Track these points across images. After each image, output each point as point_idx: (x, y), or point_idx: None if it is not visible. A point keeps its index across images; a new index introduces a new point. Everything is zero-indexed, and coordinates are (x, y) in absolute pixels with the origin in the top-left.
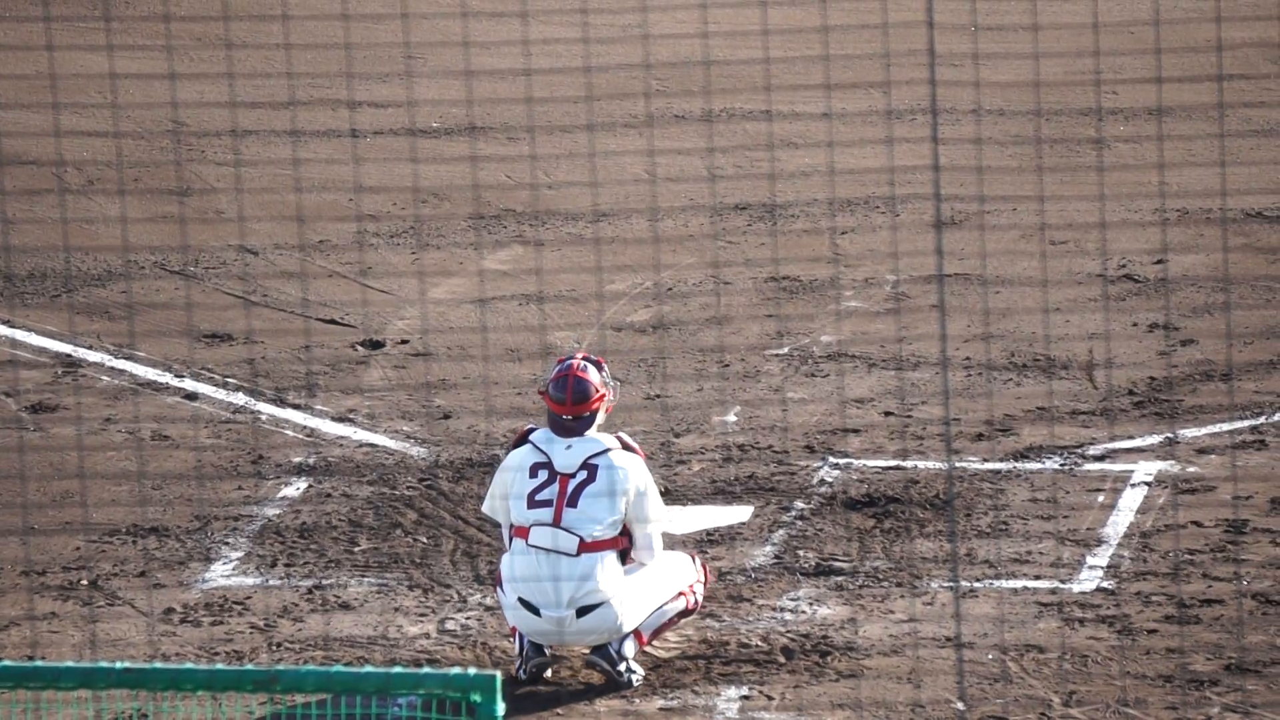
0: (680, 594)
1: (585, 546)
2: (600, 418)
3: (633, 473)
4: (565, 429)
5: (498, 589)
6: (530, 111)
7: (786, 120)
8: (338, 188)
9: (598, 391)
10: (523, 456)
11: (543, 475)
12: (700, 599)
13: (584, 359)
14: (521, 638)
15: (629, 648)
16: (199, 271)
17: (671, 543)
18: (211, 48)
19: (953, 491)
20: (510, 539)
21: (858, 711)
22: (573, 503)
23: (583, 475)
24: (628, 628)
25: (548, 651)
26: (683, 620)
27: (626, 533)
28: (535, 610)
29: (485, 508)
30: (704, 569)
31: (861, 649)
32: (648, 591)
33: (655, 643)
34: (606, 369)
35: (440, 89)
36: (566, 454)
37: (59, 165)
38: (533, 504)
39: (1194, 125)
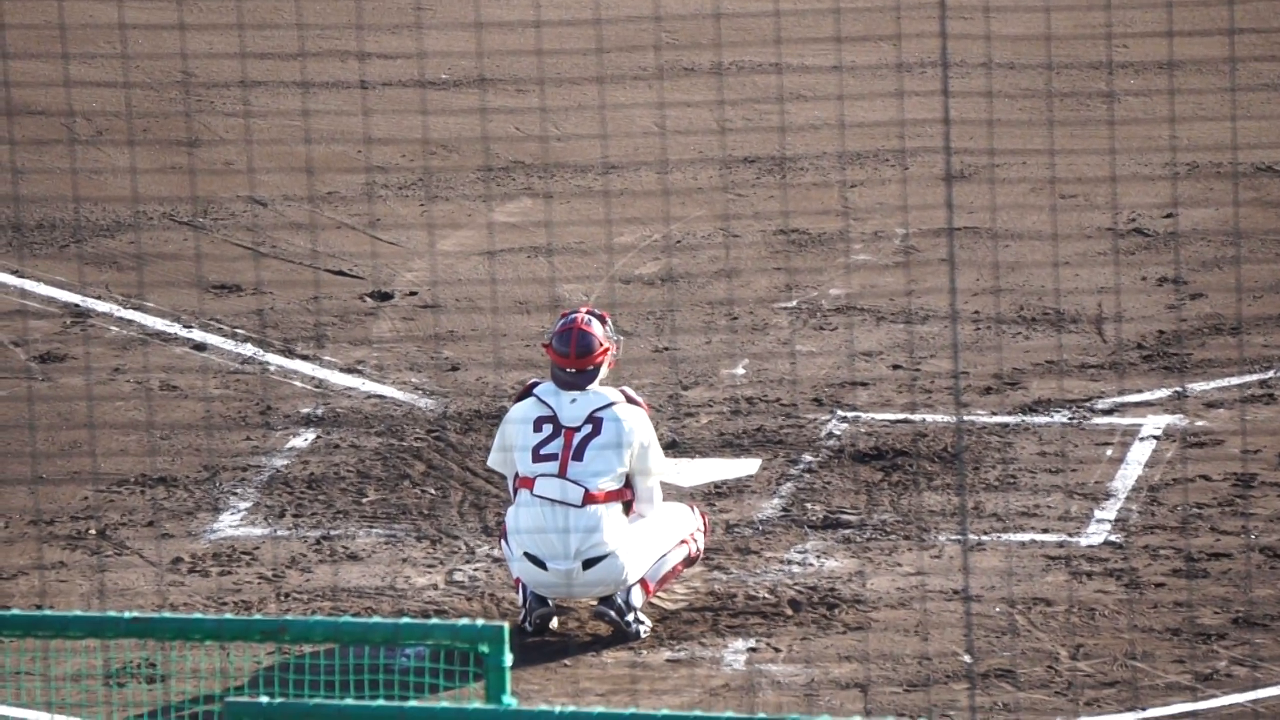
0: (682, 542)
1: (590, 498)
2: (604, 372)
3: (637, 426)
4: (569, 382)
5: (502, 541)
6: (540, 63)
7: (796, 73)
8: (347, 139)
9: (601, 345)
10: (526, 409)
11: (548, 429)
12: (701, 547)
13: (588, 313)
14: (525, 589)
15: (636, 597)
16: (208, 222)
17: (677, 495)
18: None
19: (961, 445)
20: (515, 491)
21: (865, 664)
22: (578, 456)
23: (588, 429)
24: (633, 579)
25: (551, 603)
26: (686, 569)
27: (629, 484)
28: (542, 564)
29: (491, 461)
30: (703, 518)
31: (869, 602)
32: (650, 542)
33: (662, 594)
34: (611, 323)
35: (450, 40)
36: (571, 407)
37: (68, 115)
38: (538, 457)
39: (1205, 79)
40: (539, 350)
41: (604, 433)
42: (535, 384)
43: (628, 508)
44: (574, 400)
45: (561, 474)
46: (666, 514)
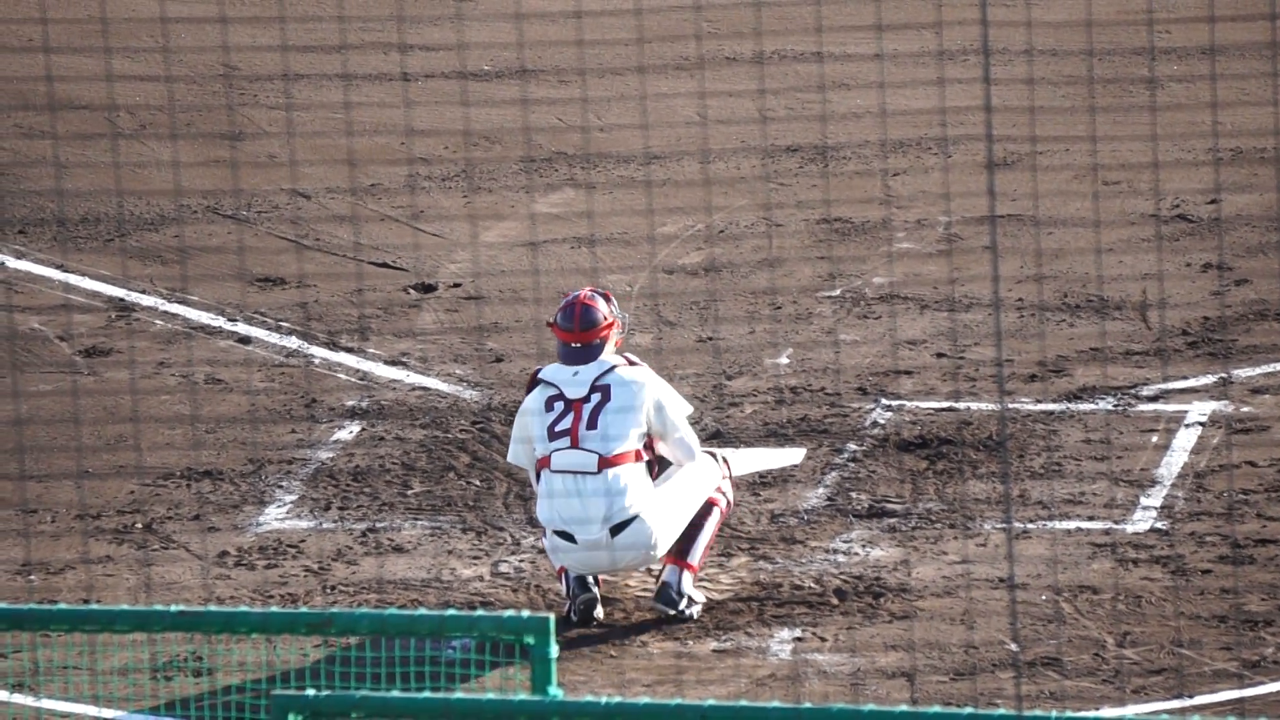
0: (710, 502)
1: (605, 462)
2: (609, 349)
3: (647, 383)
4: (574, 356)
5: (543, 535)
6: (581, 54)
7: (838, 61)
8: (389, 131)
9: (606, 319)
10: (537, 396)
11: (558, 407)
12: (731, 499)
13: (592, 290)
14: (567, 576)
15: (686, 583)
16: (251, 215)
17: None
18: None
19: (1005, 433)
20: (538, 477)
21: (910, 653)
22: (592, 424)
23: (597, 397)
24: (663, 542)
25: (595, 590)
26: (722, 527)
27: (649, 445)
28: (571, 538)
29: (510, 456)
30: (726, 464)
31: (914, 590)
32: (678, 503)
33: (708, 584)
34: (615, 301)
35: (491, 32)
36: (574, 380)
37: (111, 109)
38: (552, 435)
39: (1247, 64)
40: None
41: (615, 398)
42: (538, 371)
43: (650, 469)
44: (576, 373)
45: (574, 445)
46: (692, 470)
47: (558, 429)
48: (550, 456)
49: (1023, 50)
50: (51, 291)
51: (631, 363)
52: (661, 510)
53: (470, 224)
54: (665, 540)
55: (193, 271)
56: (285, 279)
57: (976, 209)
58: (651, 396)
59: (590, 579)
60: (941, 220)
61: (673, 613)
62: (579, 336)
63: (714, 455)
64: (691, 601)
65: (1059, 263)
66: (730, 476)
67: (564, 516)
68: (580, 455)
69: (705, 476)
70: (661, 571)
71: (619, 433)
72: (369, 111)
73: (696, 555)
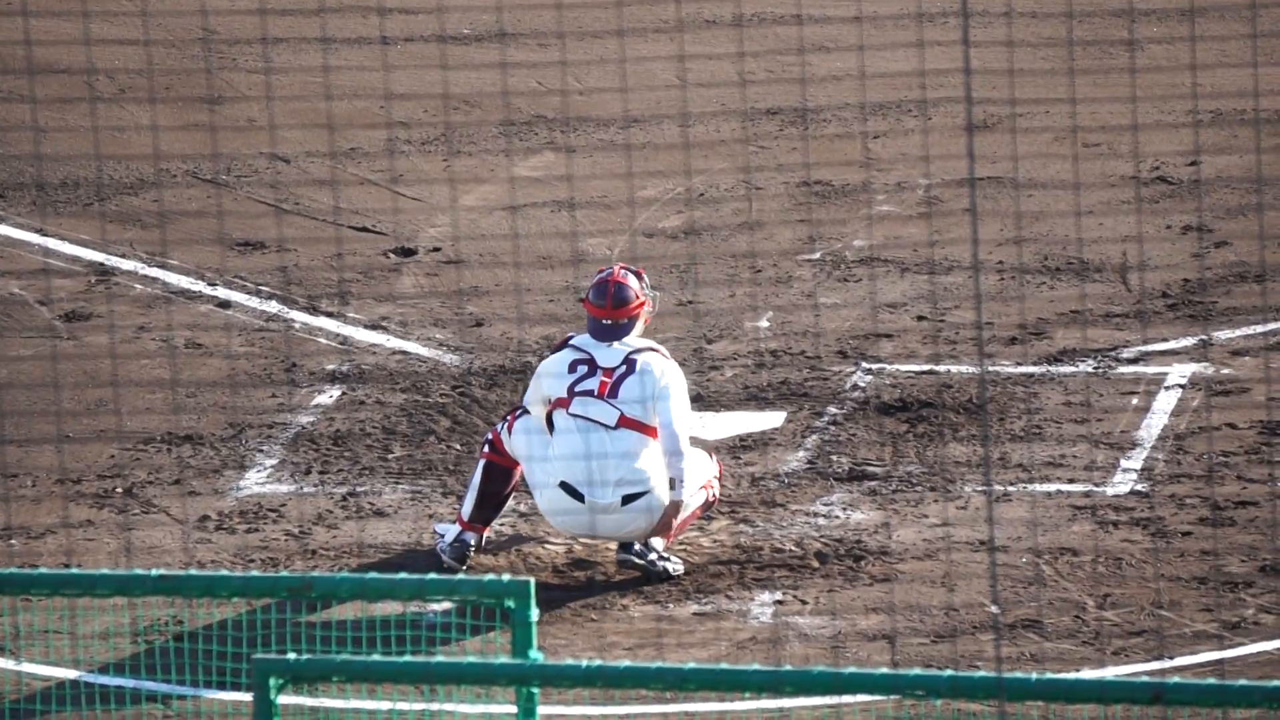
0: (703, 487)
1: (624, 421)
2: (640, 327)
3: (668, 370)
4: (605, 333)
5: (531, 492)
6: (560, 17)
7: (817, 24)
8: (368, 95)
9: (638, 298)
10: (560, 360)
11: (583, 369)
12: (718, 493)
13: (624, 268)
14: (461, 533)
15: (657, 542)
16: (230, 180)
17: (701, 446)
18: None
19: (986, 395)
20: (550, 421)
21: (891, 615)
22: (614, 393)
23: (623, 369)
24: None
25: (472, 542)
26: (703, 514)
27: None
28: (579, 495)
29: (525, 400)
30: (719, 465)
31: (895, 553)
32: (689, 490)
33: (688, 547)
34: (647, 279)
35: None
36: (608, 351)
37: (90, 73)
38: (573, 392)
39: (1227, 25)
40: (562, 304)
41: (637, 371)
42: (571, 337)
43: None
44: (610, 347)
45: (600, 395)
46: (690, 463)
47: (579, 389)
48: (571, 400)
49: (1002, 12)
50: (31, 256)
51: (664, 355)
52: (665, 494)
53: (450, 188)
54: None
55: (172, 236)
56: (265, 243)
57: (956, 171)
58: (666, 379)
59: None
60: (921, 183)
61: (640, 564)
62: (611, 313)
63: (710, 454)
64: (664, 557)
65: (1039, 225)
66: (720, 476)
67: (576, 473)
68: (602, 406)
69: (702, 469)
70: None
71: (636, 398)
72: (348, 75)
73: (671, 529)
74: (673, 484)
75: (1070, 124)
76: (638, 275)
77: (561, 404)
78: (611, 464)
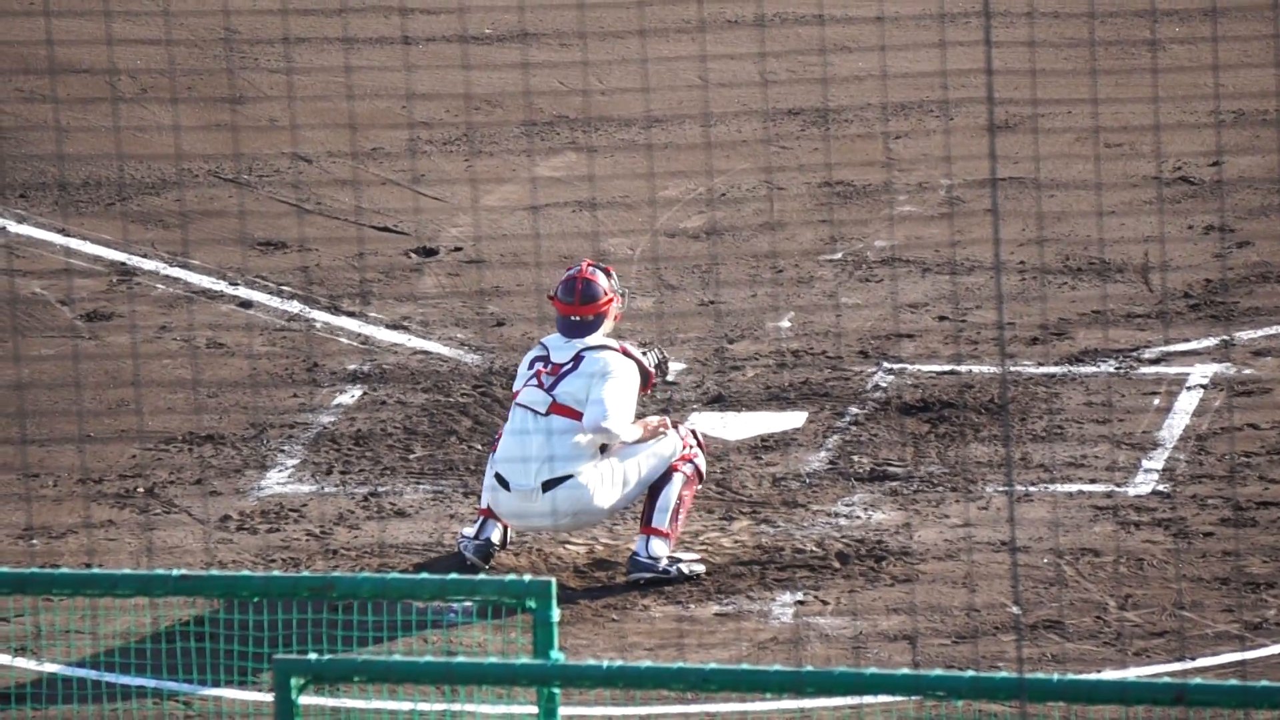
0: (671, 468)
1: (555, 407)
2: (609, 325)
3: (613, 361)
4: (573, 329)
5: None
6: (582, 17)
7: (839, 24)
8: (390, 95)
9: (606, 294)
10: (527, 358)
11: (539, 365)
12: (700, 467)
13: (591, 265)
14: (484, 523)
15: (656, 547)
16: (252, 179)
17: (722, 446)
18: None
19: (1007, 396)
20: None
21: (912, 616)
22: (555, 382)
23: (570, 365)
24: (605, 503)
25: (496, 546)
26: (693, 495)
27: None
28: (506, 484)
29: None
30: (692, 435)
31: (916, 554)
32: (622, 467)
33: (708, 547)
34: (615, 277)
35: None
36: (565, 347)
37: (112, 73)
38: (525, 383)
39: (1249, 26)
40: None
41: (581, 366)
42: (543, 340)
43: (604, 449)
44: (568, 343)
45: (538, 385)
46: (645, 444)
47: (530, 383)
48: (519, 392)
49: (1024, 12)
50: (53, 256)
51: (626, 353)
52: (601, 474)
53: (471, 188)
54: (606, 501)
55: (194, 235)
56: (286, 243)
57: (978, 172)
58: (610, 369)
59: (498, 537)
60: (943, 183)
61: (649, 576)
62: (578, 309)
63: (665, 429)
64: (674, 561)
65: (1061, 225)
66: (699, 443)
67: (505, 455)
68: (536, 393)
69: (661, 447)
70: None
71: (573, 390)
72: (370, 75)
73: (664, 520)
74: (603, 449)
75: (1092, 124)
76: (606, 272)
77: (514, 398)
78: (534, 446)
